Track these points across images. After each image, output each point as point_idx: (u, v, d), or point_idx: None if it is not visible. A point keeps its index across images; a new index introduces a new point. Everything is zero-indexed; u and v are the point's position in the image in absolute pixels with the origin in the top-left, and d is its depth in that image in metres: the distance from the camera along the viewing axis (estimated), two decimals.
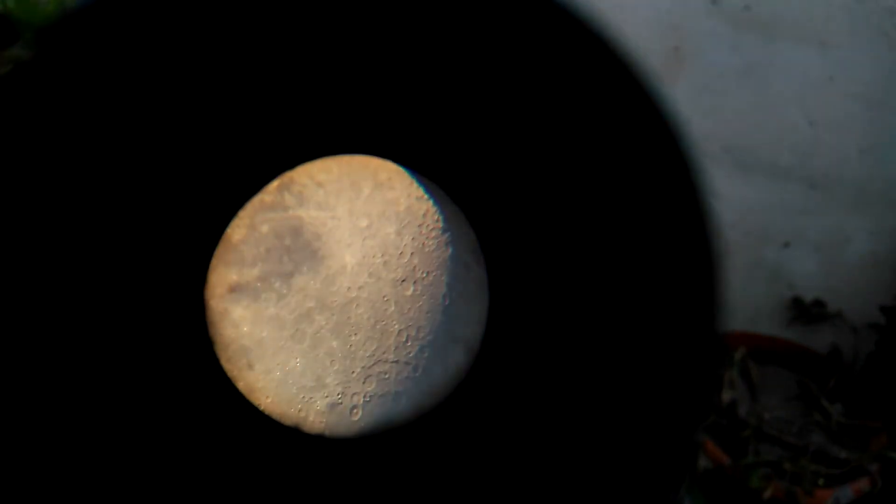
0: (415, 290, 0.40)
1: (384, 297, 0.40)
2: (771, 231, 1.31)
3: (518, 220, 0.38)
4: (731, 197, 1.26)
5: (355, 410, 0.40)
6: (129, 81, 0.32)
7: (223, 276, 0.39)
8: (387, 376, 0.40)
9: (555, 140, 0.35)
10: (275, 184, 0.39)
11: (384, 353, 0.40)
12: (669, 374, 0.33)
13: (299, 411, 0.40)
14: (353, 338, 0.40)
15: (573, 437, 0.36)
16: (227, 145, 0.36)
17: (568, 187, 0.35)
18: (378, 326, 0.40)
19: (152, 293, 0.36)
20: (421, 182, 0.40)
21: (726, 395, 1.16)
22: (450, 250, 0.40)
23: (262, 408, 0.39)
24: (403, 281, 0.40)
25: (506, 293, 0.39)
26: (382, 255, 0.40)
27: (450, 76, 0.35)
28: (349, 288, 0.40)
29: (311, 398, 0.40)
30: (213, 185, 0.37)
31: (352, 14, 0.33)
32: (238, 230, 0.39)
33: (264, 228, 0.39)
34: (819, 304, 1.31)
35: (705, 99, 1.26)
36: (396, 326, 0.40)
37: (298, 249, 0.40)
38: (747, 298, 1.31)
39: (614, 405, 0.35)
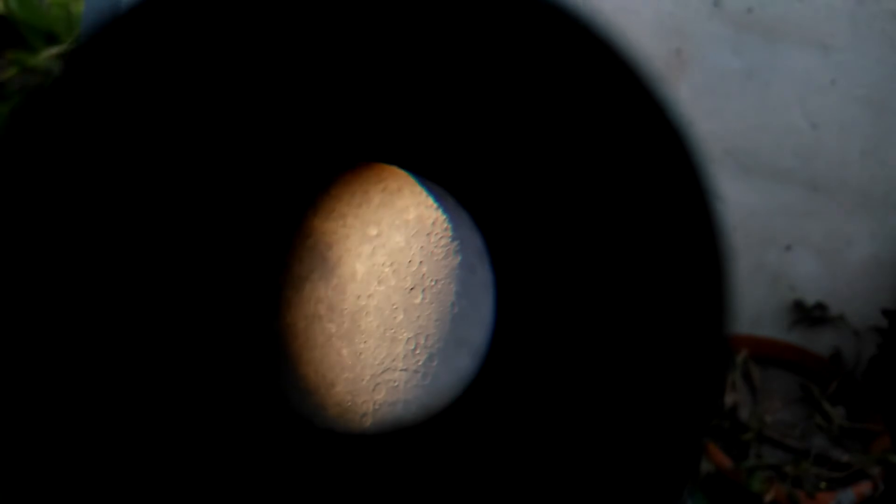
0: (424, 298, 0.40)
1: (393, 305, 0.40)
2: (773, 234, 1.31)
3: (525, 223, 0.38)
4: (732, 200, 1.26)
5: (364, 418, 0.40)
6: (149, 98, 0.32)
7: None
8: (396, 384, 0.40)
9: (562, 144, 0.35)
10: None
11: (393, 361, 0.40)
12: (676, 377, 0.33)
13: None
14: (362, 345, 0.40)
15: (580, 440, 0.36)
16: (233, 153, 0.36)
17: (576, 191, 0.35)
18: (387, 334, 0.40)
19: (160, 300, 0.36)
20: (430, 190, 0.40)
21: (728, 398, 1.16)
22: (458, 258, 0.40)
23: None
24: (412, 289, 0.40)
25: (512, 296, 0.39)
26: (392, 264, 0.40)
27: (457, 84, 0.35)
28: (359, 296, 0.40)
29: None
30: (219, 193, 0.37)
31: (362, 24, 0.33)
32: None
33: None
34: (821, 307, 1.31)
35: (707, 101, 1.26)
36: (405, 334, 0.40)
37: (308, 257, 0.40)
38: (749, 301, 1.31)
39: (621, 408, 0.35)
